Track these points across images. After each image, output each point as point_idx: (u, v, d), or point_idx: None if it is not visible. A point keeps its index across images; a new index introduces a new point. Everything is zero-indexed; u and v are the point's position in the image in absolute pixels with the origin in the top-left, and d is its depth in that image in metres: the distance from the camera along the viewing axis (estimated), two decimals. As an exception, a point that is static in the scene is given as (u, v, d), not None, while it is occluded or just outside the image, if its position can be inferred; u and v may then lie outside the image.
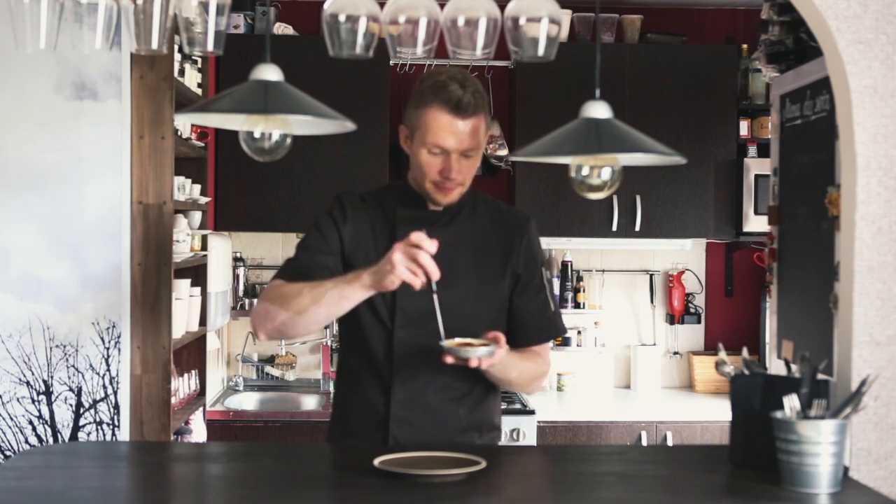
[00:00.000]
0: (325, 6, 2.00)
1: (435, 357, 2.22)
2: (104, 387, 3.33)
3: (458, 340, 2.23)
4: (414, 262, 2.12)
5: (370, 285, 2.19)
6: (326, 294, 2.24)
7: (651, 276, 4.95)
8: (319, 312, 2.26)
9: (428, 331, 2.32)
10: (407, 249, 2.12)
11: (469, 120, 2.30)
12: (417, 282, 2.13)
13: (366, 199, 2.50)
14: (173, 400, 3.52)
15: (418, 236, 2.13)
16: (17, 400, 3.32)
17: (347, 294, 2.23)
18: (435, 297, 2.17)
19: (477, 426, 2.47)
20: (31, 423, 3.32)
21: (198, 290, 3.90)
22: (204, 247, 4.03)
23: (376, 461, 2.04)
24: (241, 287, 4.72)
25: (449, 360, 2.20)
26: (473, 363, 2.20)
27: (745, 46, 4.74)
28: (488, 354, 2.20)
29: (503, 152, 4.61)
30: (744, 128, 4.63)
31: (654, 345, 4.93)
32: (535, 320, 2.50)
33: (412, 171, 2.44)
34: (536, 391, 2.63)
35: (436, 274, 2.13)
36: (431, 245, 2.13)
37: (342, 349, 2.55)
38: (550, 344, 2.60)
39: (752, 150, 4.62)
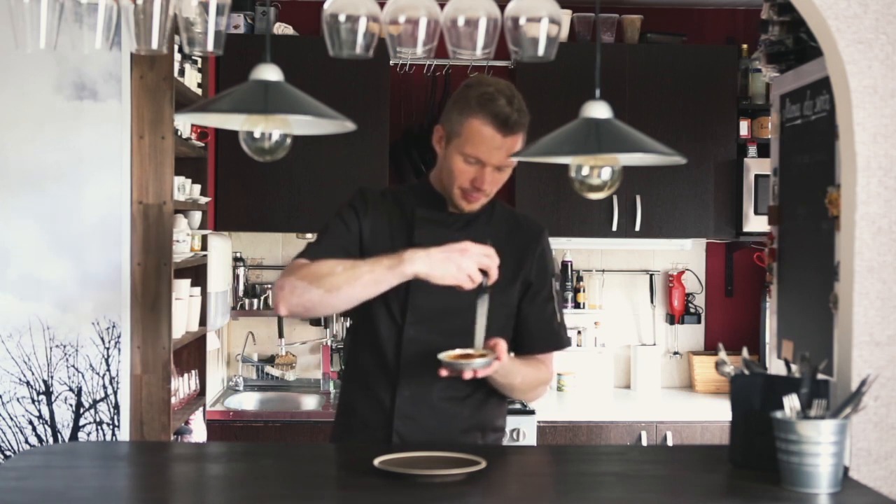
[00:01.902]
0: (325, 6, 2.00)
1: None
2: (104, 387, 3.33)
3: (457, 352, 2.23)
4: (482, 266, 2.18)
5: (411, 273, 2.18)
6: (363, 276, 2.22)
7: (651, 276, 4.95)
8: (353, 293, 2.25)
9: (439, 329, 2.32)
10: (484, 251, 2.18)
11: (510, 137, 2.32)
12: (471, 286, 2.18)
13: (386, 195, 2.51)
14: (173, 400, 3.52)
15: (491, 248, 2.21)
16: (17, 400, 3.32)
17: (387, 279, 2.22)
18: (482, 303, 2.22)
19: (480, 427, 2.47)
20: (31, 423, 3.32)
21: (198, 290, 3.90)
22: (204, 247, 4.03)
23: (376, 461, 2.04)
24: (241, 287, 4.72)
25: (444, 372, 2.21)
26: (467, 375, 2.21)
27: (745, 46, 4.74)
28: (483, 366, 2.21)
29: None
30: (744, 128, 4.63)
31: (654, 345, 4.93)
32: (540, 330, 2.50)
33: (439, 173, 2.44)
34: (537, 399, 2.63)
35: (493, 278, 2.21)
36: (496, 254, 2.22)
37: (351, 343, 2.55)
38: (554, 354, 2.60)
39: (752, 150, 4.62)
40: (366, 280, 2.22)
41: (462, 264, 2.15)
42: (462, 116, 2.33)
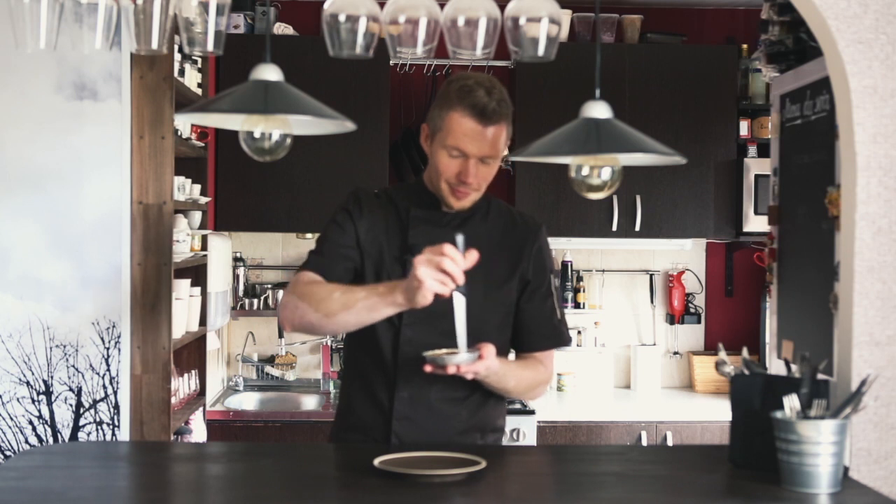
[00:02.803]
0: (325, 6, 2.00)
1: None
2: (104, 387, 3.33)
3: (444, 350, 2.23)
4: (440, 271, 2.09)
5: (403, 304, 2.16)
6: (358, 303, 2.22)
7: (651, 276, 4.95)
8: (348, 319, 2.25)
9: (436, 330, 2.32)
10: (430, 260, 2.09)
11: (492, 127, 2.31)
12: (447, 290, 2.11)
13: (381, 195, 2.50)
14: (173, 400, 3.52)
15: (447, 247, 2.10)
16: (17, 400, 3.32)
17: (379, 308, 2.21)
18: (458, 301, 2.16)
19: (479, 427, 2.47)
20: (31, 423, 3.32)
21: (198, 290, 3.90)
22: (204, 247, 4.03)
23: (376, 461, 2.04)
24: (241, 287, 4.72)
25: (427, 369, 2.21)
26: (451, 370, 2.20)
27: (745, 46, 4.74)
28: (467, 361, 2.19)
29: (503, 152, 4.60)
30: (744, 128, 4.63)
31: (654, 345, 4.93)
32: (540, 327, 2.50)
33: (428, 171, 2.44)
34: (536, 398, 2.63)
35: (461, 279, 2.11)
36: (456, 252, 2.10)
37: (350, 343, 2.55)
38: (555, 352, 2.59)
39: (752, 150, 4.62)
40: (360, 307, 2.22)
41: (417, 274, 2.08)
42: (443, 111, 2.34)
